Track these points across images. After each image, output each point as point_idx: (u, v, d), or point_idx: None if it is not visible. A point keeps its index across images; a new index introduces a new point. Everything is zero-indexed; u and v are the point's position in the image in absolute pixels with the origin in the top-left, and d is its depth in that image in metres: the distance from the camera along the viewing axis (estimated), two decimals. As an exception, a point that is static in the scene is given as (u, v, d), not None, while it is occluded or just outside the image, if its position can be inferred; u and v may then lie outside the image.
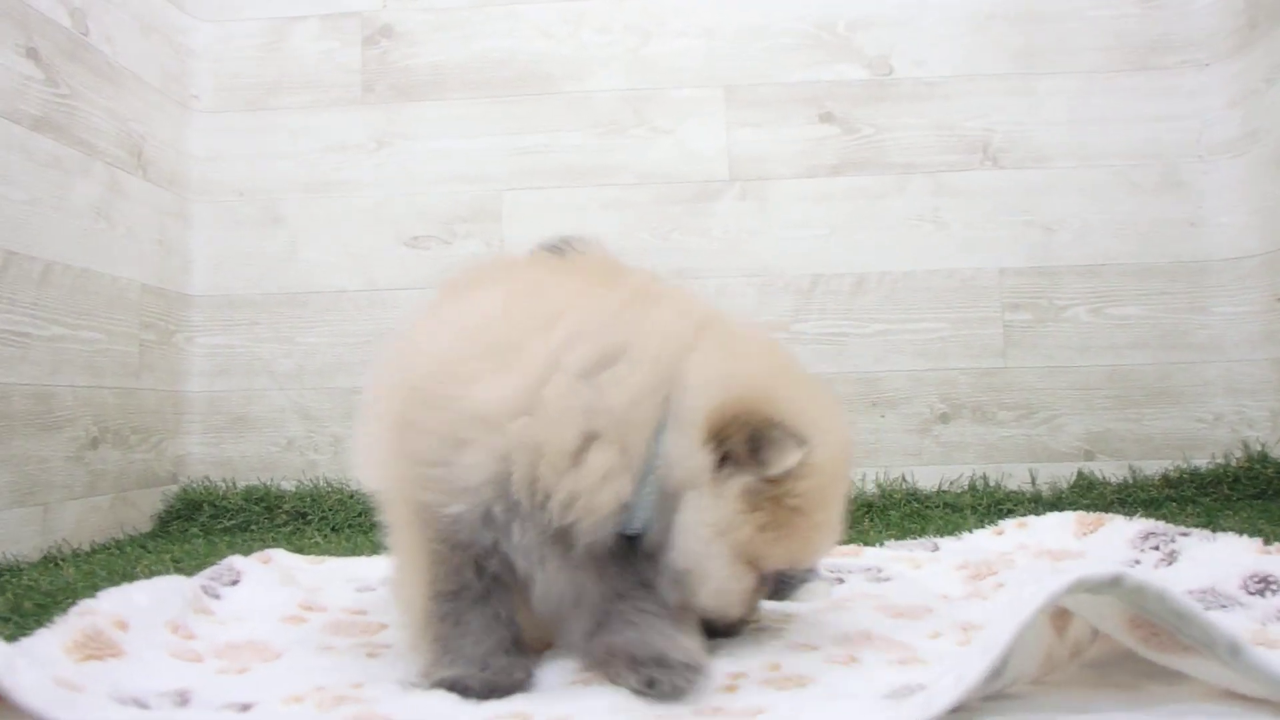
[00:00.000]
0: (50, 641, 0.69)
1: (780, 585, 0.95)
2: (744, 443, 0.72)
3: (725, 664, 0.80)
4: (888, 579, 1.15)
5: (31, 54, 1.52)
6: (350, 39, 2.12)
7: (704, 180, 2.08)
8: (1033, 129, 2.05)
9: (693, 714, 0.65)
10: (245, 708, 0.66)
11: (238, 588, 0.98)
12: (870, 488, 1.96)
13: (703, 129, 2.09)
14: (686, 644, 0.75)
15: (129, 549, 1.54)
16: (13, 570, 1.36)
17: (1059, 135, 2.04)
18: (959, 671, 0.60)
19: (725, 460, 0.74)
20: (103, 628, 0.73)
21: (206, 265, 2.09)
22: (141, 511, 1.81)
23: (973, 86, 2.07)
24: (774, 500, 0.74)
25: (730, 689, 0.74)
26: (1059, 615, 0.68)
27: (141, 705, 0.65)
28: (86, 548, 1.58)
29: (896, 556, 1.28)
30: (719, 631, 0.84)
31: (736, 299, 2.05)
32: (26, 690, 0.54)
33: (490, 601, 0.75)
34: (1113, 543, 1.17)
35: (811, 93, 2.09)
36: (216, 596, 0.93)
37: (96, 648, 0.70)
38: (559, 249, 1.18)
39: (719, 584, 0.75)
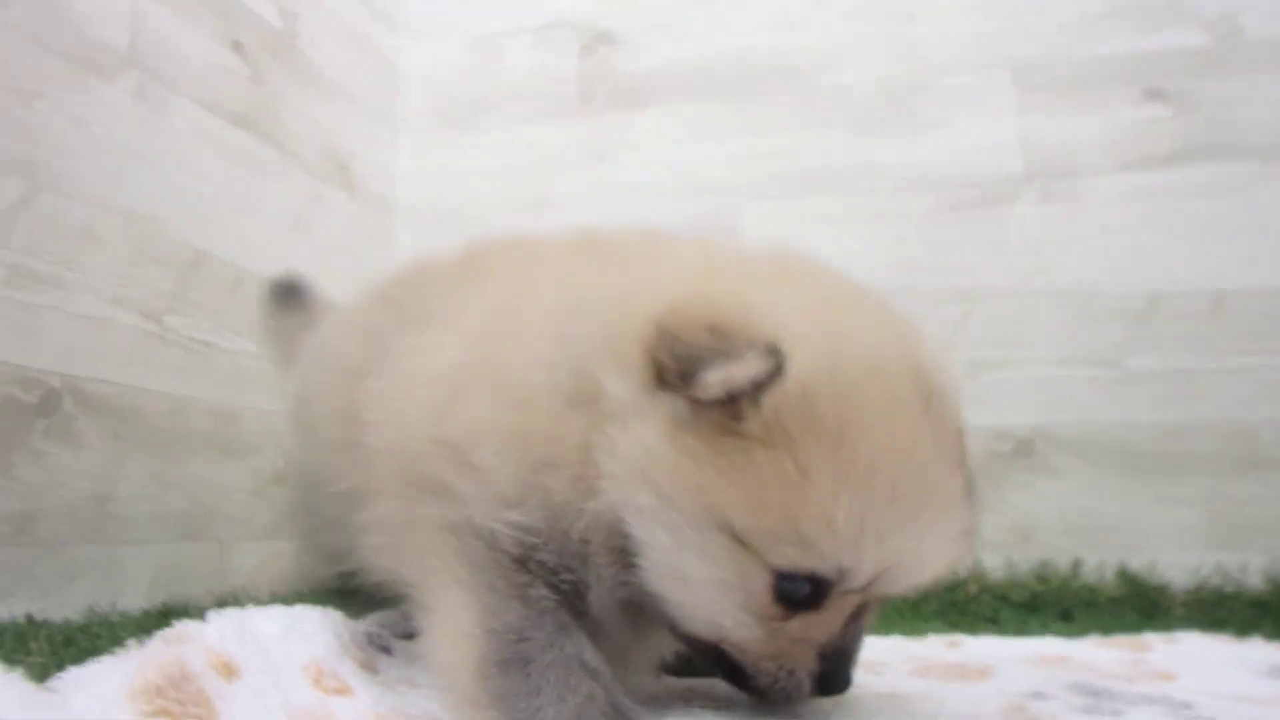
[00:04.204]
0: (109, 681, 0.43)
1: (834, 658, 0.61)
2: (672, 360, 0.55)
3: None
4: None
5: (236, 47, 1.48)
6: (566, 49, 2.00)
7: (993, 180, 1.74)
8: None
9: None
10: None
11: (414, 642, 0.70)
12: (1255, 580, 1.47)
13: (986, 119, 1.76)
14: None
15: (311, 604, 1.35)
16: (178, 611, 1.18)
17: None
18: None
19: (663, 389, 0.57)
20: (196, 671, 0.47)
21: (410, 296, 1.97)
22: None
23: (1361, 42, 1.63)
24: (731, 434, 0.55)
25: None
26: None
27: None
28: (265, 597, 1.41)
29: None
30: (763, 689, 0.60)
31: (1043, 326, 1.66)
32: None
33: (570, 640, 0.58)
34: None
35: (1131, 67, 1.71)
36: (386, 650, 0.66)
37: (179, 701, 0.44)
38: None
39: (671, 553, 0.56)
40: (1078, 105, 1.72)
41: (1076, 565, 1.52)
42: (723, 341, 0.55)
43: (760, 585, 0.56)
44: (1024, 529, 1.59)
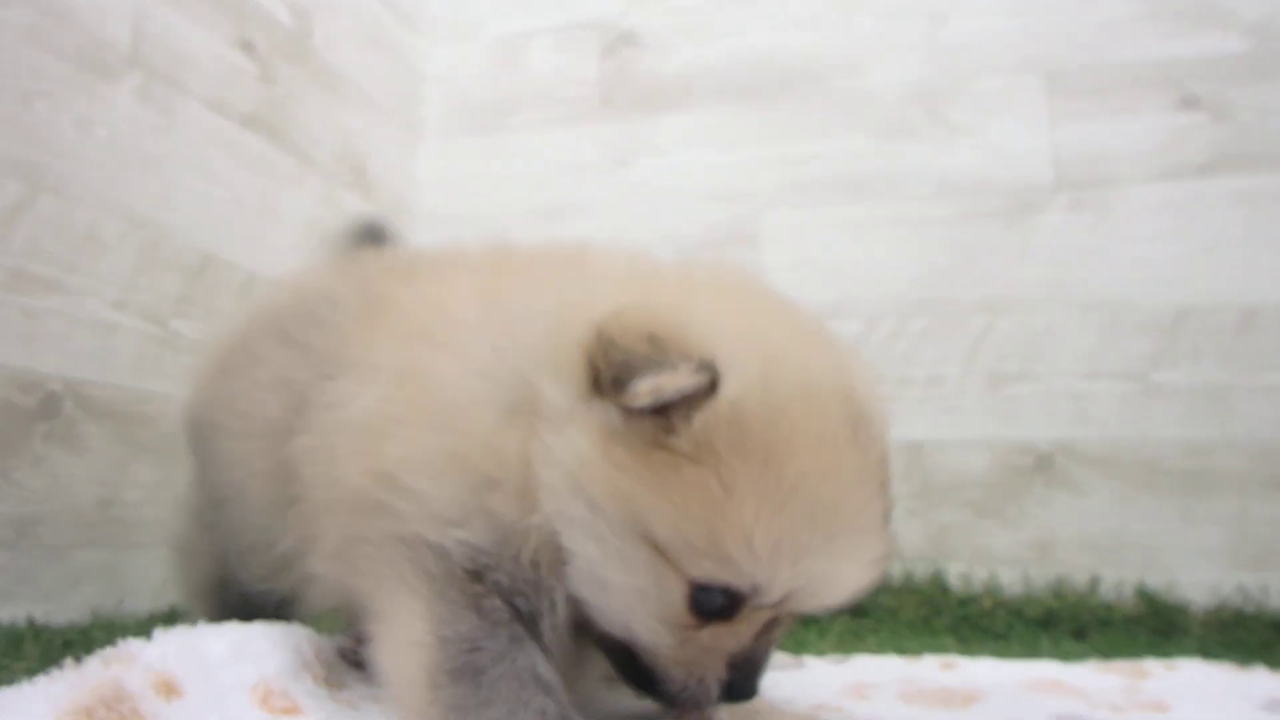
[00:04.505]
0: (38, 701, 0.44)
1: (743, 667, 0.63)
2: (608, 367, 0.56)
3: None
4: None
5: (246, 47, 1.47)
6: (588, 51, 1.98)
7: (1020, 188, 1.70)
8: None
9: None
10: None
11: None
12: (1276, 601, 1.42)
13: (1017, 125, 1.73)
14: None
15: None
16: (184, 615, 1.19)
17: None
18: None
19: (597, 396, 0.58)
20: (134, 690, 0.47)
21: (427, 300, 1.96)
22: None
23: None
24: (660, 446, 0.56)
25: None
26: None
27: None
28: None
29: None
30: (669, 694, 0.61)
31: (1068, 339, 1.62)
32: None
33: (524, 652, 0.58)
34: None
35: (1166, 73, 1.67)
36: (358, 664, 0.66)
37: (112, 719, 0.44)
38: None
39: (594, 561, 0.57)
40: (1110, 112, 1.68)
41: (1094, 583, 1.48)
42: (658, 351, 0.55)
43: (676, 595, 0.58)
44: (1042, 545, 1.56)
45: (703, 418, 0.55)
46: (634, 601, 0.58)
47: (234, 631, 0.58)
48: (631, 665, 0.62)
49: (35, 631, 0.99)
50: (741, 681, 0.62)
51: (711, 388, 0.55)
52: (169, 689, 0.50)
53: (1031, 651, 1.17)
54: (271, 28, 1.53)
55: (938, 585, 1.48)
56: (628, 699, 0.64)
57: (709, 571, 0.56)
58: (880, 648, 1.15)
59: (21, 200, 1.10)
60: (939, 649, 1.14)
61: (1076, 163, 1.68)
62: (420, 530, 0.58)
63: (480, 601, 0.57)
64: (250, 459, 0.76)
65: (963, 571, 1.53)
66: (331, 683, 0.61)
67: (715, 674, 0.61)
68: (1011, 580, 1.52)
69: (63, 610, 1.12)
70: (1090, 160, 1.67)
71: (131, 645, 0.53)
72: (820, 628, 1.27)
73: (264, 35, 1.51)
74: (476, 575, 0.58)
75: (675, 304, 0.59)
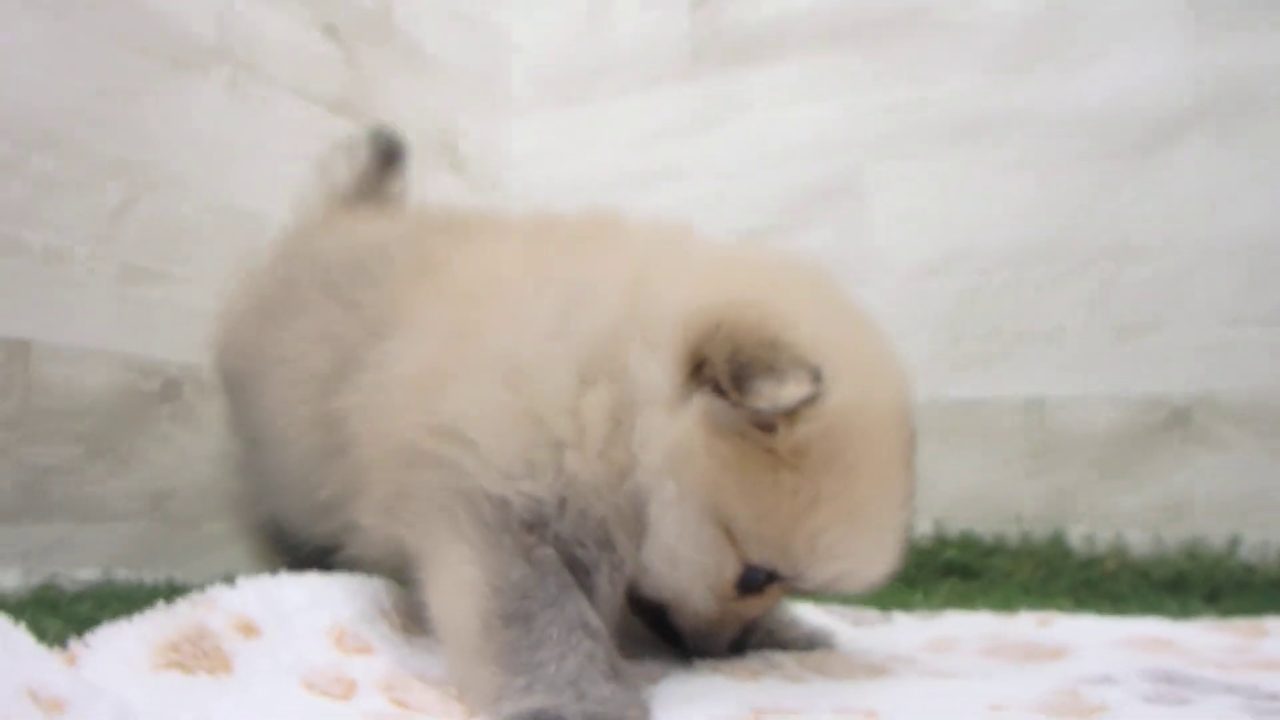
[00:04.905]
0: (131, 638, 0.51)
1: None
2: (725, 362, 0.60)
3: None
4: None
5: (328, 31, 1.54)
6: (676, 3, 1.99)
7: (1155, 118, 1.61)
8: None
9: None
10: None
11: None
12: None
13: (1153, 48, 1.62)
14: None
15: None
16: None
17: None
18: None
19: (700, 383, 0.63)
20: (215, 629, 0.54)
21: (527, 274, 2.03)
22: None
23: None
24: (756, 444, 0.62)
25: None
26: None
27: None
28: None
29: None
30: (690, 645, 0.71)
31: (1208, 283, 1.55)
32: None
33: (572, 599, 0.63)
34: None
35: (1324, -23, 1.55)
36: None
37: (192, 655, 0.51)
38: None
39: (671, 537, 0.64)
40: (1262, 25, 1.56)
41: (1234, 543, 1.42)
42: (777, 356, 0.60)
43: (731, 572, 0.66)
44: (1175, 505, 1.50)
45: (806, 425, 0.61)
46: (697, 575, 0.66)
47: (313, 580, 0.66)
48: (660, 621, 0.71)
49: (174, 591, 1.11)
50: (745, 637, 0.74)
51: (818, 396, 0.60)
52: (248, 629, 0.58)
53: (1154, 614, 1.14)
54: (352, 9, 1.59)
55: (1058, 547, 1.45)
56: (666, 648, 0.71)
57: (766, 557, 0.64)
58: (959, 607, 1.14)
59: (126, 199, 1.20)
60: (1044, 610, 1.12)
61: (1225, 85, 1.57)
62: (481, 482, 0.63)
63: (532, 551, 0.62)
64: (292, 408, 0.83)
65: (1085, 533, 1.50)
66: (409, 628, 0.68)
67: (732, 631, 0.71)
68: (1139, 542, 1.48)
69: (198, 575, 1.24)
70: (1241, 81, 1.56)
71: (216, 591, 0.61)
72: (927, 589, 1.28)
73: (346, 17, 1.57)
74: (532, 526, 0.63)
75: (774, 301, 0.64)
